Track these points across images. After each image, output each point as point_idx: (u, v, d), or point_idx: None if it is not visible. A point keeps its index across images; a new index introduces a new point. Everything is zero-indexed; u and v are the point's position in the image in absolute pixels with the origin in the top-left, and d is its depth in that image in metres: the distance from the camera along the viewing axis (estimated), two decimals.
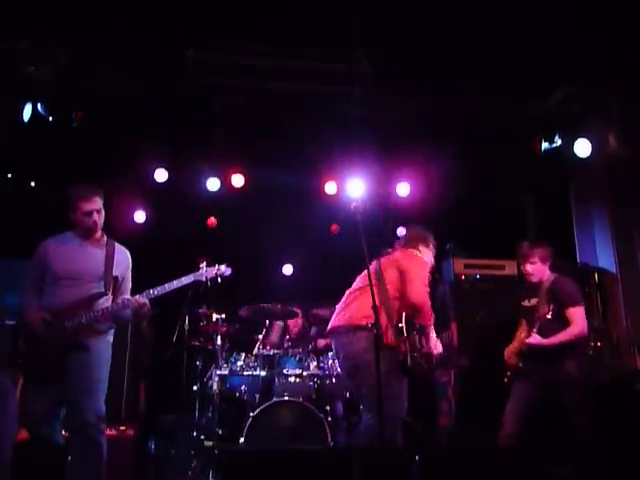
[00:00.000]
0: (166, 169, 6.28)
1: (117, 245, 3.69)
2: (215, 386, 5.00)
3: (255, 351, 5.30)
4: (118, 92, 5.43)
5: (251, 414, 4.55)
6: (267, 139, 6.13)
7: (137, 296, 3.51)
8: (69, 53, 5.07)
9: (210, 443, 4.77)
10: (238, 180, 6.50)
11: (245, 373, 5.09)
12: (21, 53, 4.96)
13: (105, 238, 3.66)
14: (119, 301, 3.50)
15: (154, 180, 6.27)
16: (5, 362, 3.33)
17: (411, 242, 4.19)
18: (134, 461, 4.19)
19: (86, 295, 3.43)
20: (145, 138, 5.98)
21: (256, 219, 6.73)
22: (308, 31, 4.89)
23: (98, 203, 3.56)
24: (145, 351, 5.33)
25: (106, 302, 3.48)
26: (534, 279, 4.30)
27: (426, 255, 4.16)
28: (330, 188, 6.59)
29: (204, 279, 3.79)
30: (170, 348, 5.17)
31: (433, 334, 3.97)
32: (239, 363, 5.15)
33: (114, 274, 3.55)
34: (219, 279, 3.86)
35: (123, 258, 3.69)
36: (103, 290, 3.48)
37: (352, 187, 6.36)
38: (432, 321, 3.93)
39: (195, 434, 4.91)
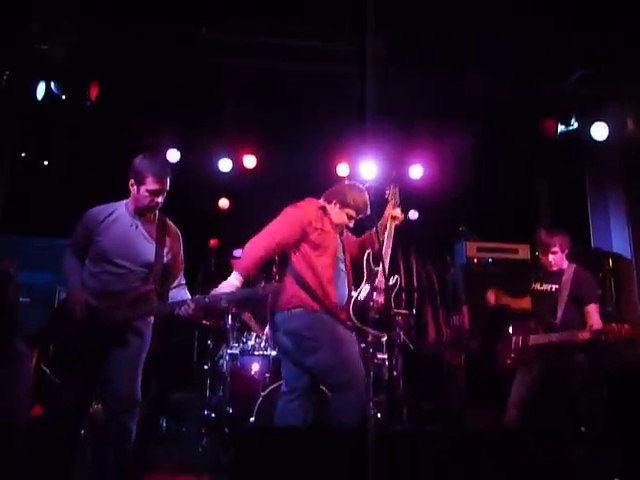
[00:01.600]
0: (178, 149, 6.28)
1: (170, 225, 3.44)
2: (226, 365, 5.03)
3: (266, 331, 5.32)
4: (130, 72, 5.41)
5: (262, 394, 4.57)
6: (279, 120, 6.10)
7: (190, 300, 3.30)
8: (82, 33, 5.05)
9: (221, 421, 4.81)
10: (250, 161, 6.49)
11: (256, 353, 5.11)
12: (34, 33, 4.94)
13: (157, 216, 3.39)
14: (171, 302, 3.32)
15: (166, 160, 6.26)
16: (29, 338, 3.23)
17: (329, 194, 3.75)
18: (145, 439, 4.22)
19: (133, 290, 3.21)
20: (157, 118, 5.97)
21: (268, 200, 6.70)
22: (322, 10, 4.83)
23: (167, 184, 3.30)
24: (157, 330, 5.36)
25: (153, 299, 3.30)
26: (554, 268, 4.17)
27: (334, 214, 3.65)
28: (342, 170, 6.56)
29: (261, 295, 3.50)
30: (182, 328, 5.21)
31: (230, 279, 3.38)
32: (250, 343, 5.17)
33: (165, 262, 3.32)
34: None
35: (175, 241, 3.43)
36: (152, 287, 3.26)
37: (364, 169, 6.34)
38: (236, 268, 3.40)
39: (206, 412, 4.96)
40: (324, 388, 3.70)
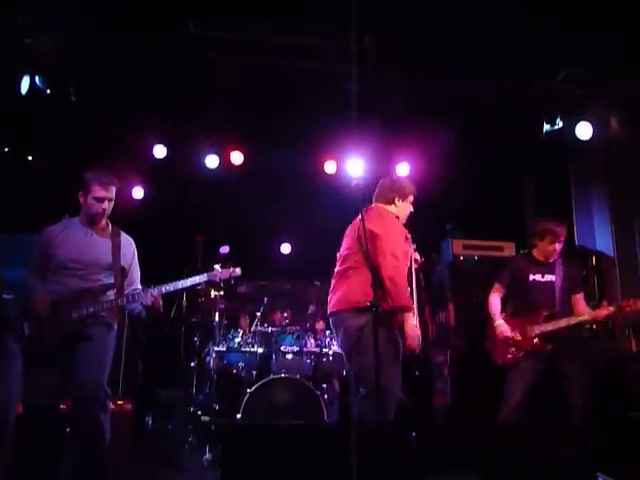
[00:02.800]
0: (165, 145, 6.25)
1: (122, 234, 3.60)
2: (212, 362, 5.03)
3: (253, 328, 5.32)
4: (117, 67, 5.36)
5: (248, 390, 4.57)
6: (267, 117, 6.09)
7: (149, 290, 3.42)
8: (68, 26, 5.00)
9: (207, 419, 4.81)
10: (237, 157, 6.48)
11: (243, 350, 5.12)
12: (19, 26, 4.88)
13: (110, 227, 3.56)
14: (128, 294, 3.43)
15: (153, 156, 6.24)
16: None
17: (385, 196, 3.75)
18: (131, 436, 4.21)
19: (94, 286, 3.36)
20: (144, 114, 5.93)
21: (255, 197, 6.71)
22: (309, 7, 4.82)
23: (112, 192, 3.45)
24: (143, 327, 5.34)
25: (114, 294, 3.41)
26: (555, 257, 4.26)
27: (401, 209, 3.72)
28: (329, 167, 6.57)
29: (217, 279, 3.69)
30: (168, 324, 5.20)
31: (411, 320, 3.36)
32: (237, 340, 5.17)
33: (122, 265, 3.48)
34: (232, 281, 3.80)
35: (129, 248, 3.60)
36: (112, 282, 3.41)
37: (352, 166, 6.35)
38: (403, 302, 3.33)
39: (192, 409, 4.95)
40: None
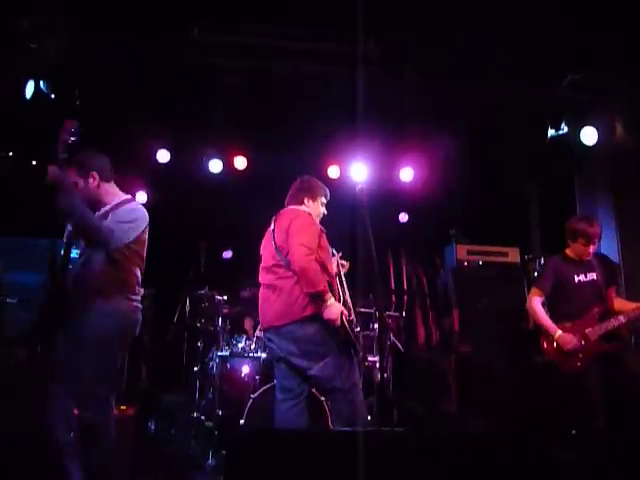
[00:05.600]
0: (168, 150, 6.25)
1: None
2: (216, 367, 5.00)
3: (257, 333, 5.30)
4: (121, 71, 5.37)
5: (252, 396, 4.54)
6: (270, 121, 6.09)
7: None
8: (72, 31, 5.01)
9: (210, 424, 4.78)
10: (241, 162, 6.48)
11: (246, 355, 5.09)
12: (23, 31, 4.89)
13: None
14: None
15: (156, 161, 6.24)
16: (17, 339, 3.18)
17: (294, 197, 3.83)
18: (134, 441, 4.19)
19: None
20: (148, 119, 5.93)
21: (258, 202, 6.69)
22: (313, 11, 4.82)
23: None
24: (146, 331, 5.33)
25: None
26: (590, 257, 4.26)
27: (312, 209, 3.76)
28: (333, 172, 6.56)
29: None
30: (171, 329, 5.18)
31: (329, 301, 3.37)
32: (240, 345, 5.14)
33: None
34: None
35: None
36: None
37: (355, 171, 6.34)
38: (319, 288, 3.35)
39: (195, 415, 4.92)
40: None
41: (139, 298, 3.39)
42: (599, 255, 4.41)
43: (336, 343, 3.46)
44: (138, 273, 3.38)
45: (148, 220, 3.39)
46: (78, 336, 3.08)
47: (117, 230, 3.16)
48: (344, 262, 3.96)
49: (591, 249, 4.21)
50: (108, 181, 3.46)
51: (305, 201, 3.78)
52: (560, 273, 4.26)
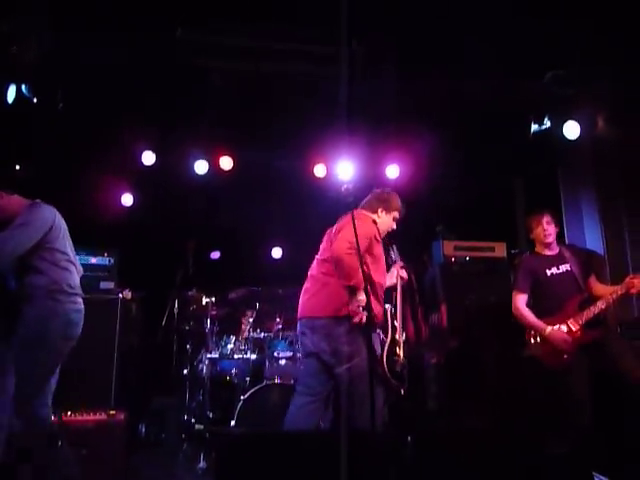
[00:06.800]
0: (154, 152, 6.22)
1: None
2: (205, 369, 5.00)
3: (245, 334, 5.30)
4: (104, 73, 5.33)
5: (242, 397, 4.55)
6: (256, 121, 6.07)
7: None
8: (54, 34, 4.96)
9: (201, 427, 4.78)
10: (226, 163, 6.45)
11: (235, 356, 5.09)
12: (4, 34, 4.84)
13: None
14: None
15: (141, 163, 6.20)
16: None
17: (370, 204, 3.92)
18: (124, 445, 4.17)
19: None
20: (132, 120, 5.89)
21: (245, 202, 6.69)
22: (298, 11, 4.82)
23: None
24: (134, 334, 5.31)
25: None
26: (551, 240, 4.36)
27: (383, 220, 3.87)
28: (319, 171, 6.56)
29: None
30: (160, 332, 5.17)
31: (360, 295, 3.41)
32: (229, 346, 5.14)
33: None
34: None
35: None
36: None
37: (341, 170, 6.35)
38: (352, 281, 3.42)
39: (186, 418, 4.92)
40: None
41: (73, 299, 3.35)
42: (572, 246, 4.53)
43: (367, 348, 3.40)
44: (67, 274, 3.35)
45: (52, 219, 3.37)
46: (4, 343, 3.11)
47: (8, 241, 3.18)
48: (404, 274, 3.96)
49: (547, 227, 4.32)
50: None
51: (379, 211, 3.89)
52: (533, 270, 4.33)
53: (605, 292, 4.18)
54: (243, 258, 6.62)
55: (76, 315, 3.35)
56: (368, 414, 3.29)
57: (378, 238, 3.71)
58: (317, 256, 3.82)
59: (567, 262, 4.28)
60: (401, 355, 3.66)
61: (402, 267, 4.01)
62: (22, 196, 3.69)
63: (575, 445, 3.70)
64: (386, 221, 3.89)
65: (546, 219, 4.35)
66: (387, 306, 3.85)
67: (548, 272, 4.28)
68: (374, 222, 3.77)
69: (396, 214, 3.92)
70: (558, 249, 4.39)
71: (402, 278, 3.98)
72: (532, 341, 4.22)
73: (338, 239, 3.53)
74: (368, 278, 3.47)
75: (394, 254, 3.96)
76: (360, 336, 3.43)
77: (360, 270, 3.34)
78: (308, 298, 3.68)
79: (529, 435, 3.50)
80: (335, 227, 3.76)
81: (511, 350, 4.90)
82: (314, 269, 3.77)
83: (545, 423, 4.06)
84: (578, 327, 4.08)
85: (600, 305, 4.08)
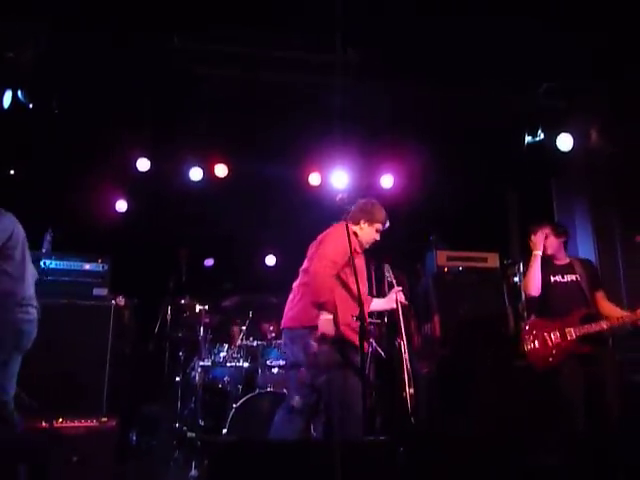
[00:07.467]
0: (148, 158, 6.22)
1: None
2: (198, 377, 4.98)
3: (238, 342, 5.29)
4: (100, 79, 5.34)
5: (234, 405, 4.54)
6: (250, 129, 6.09)
7: None
8: (50, 40, 4.97)
9: (192, 434, 4.76)
10: (221, 170, 6.47)
11: (228, 364, 5.08)
12: (0, 39, 4.85)
13: None
14: None
15: (136, 169, 6.21)
16: None
17: (353, 215, 3.82)
18: (116, 452, 4.15)
19: None
20: (127, 127, 5.90)
21: (239, 209, 6.70)
22: (293, 20, 4.85)
23: None
24: (127, 341, 5.29)
25: None
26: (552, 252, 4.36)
27: (365, 232, 3.83)
28: (314, 179, 6.58)
29: None
30: (152, 339, 5.15)
31: (323, 316, 3.41)
32: (222, 354, 5.13)
33: None
34: None
35: None
36: None
37: (336, 179, 6.37)
38: (321, 299, 3.42)
39: (177, 425, 4.90)
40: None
41: (25, 309, 3.36)
42: (584, 260, 4.48)
43: (344, 358, 3.45)
44: (20, 285, 3.35)
45: (11, 228, 3.36)
46: None
47: None
48: (402, 298, 3.96)
49: (547, 242, 4.32)
50: None
51: (361, 223, 3.85)
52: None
53: (612, 313, 4.17)
54: (236, 266, 6.62)
55: (28, 325, 3.35)
56: (355, 423, 3.34)
57: (358, 250, 3.71)
58: (303, 265, 3.83)
59: (575, 273, 4.28)
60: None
61: (400, 291, 3.99)
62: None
63: (566, 454, 3.71)
64: (368, 232, 3.85)
65: (546, 231, 4.36)
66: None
67: (552, 279, 4.30)
68: (355, 234, 3.75)
69: (379, 226, 3.88)
70: (568, 260, 4.39)
71: (401, 303, 3.97)
72: (527, 339, 4.24)
73: (317, 253, 3.56)
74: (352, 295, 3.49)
75: (389, 276, 3.94)
76: (339, 346, 3.45)
77: (332, 291, 3.41)
78: (289, 309, 3.70)
79: (520, 444, 3.52)
80: (318, 238, 3.77)
81: (503, 360, 4.92)
82: (299, 278, 3.78)
83: (536, 432, 4.07)
84: (574, 338, 4.09)
85: (603, 325, 4.08)
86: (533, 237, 4.40)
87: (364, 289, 3.76)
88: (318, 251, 3.58)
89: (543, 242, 4.34)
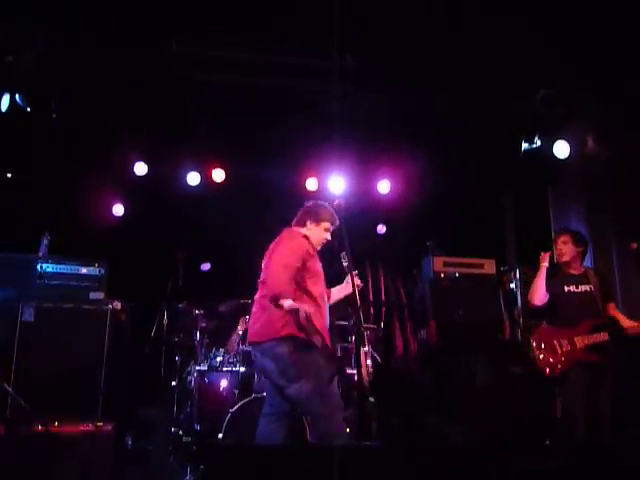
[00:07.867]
0: (146, 163, 6.23)
1: None
2: (194, 382, 4.98)
3: (235, 347, 5.28)
4: (99, 84, 5.35)
5: (230, 410, 4.53)
6: (248, 134, 6.11)
7: None
8: (48, 44, 4.98)
9: (188, 439, 4.75)
10: (219, 175, 6.47)
11: (224, 369, 5.07)
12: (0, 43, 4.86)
13: None
14: None
15: (134, 173, 6.21)
16: None
17: (298, 219, 3.86)
18: (111, 457, 4.14)
19: None
20: (125, 131, 5.91)
21: (236, 214, 6.70)
22: (292, 26, 4.86)
23: None
24: (123, 345, 5.28)
25: None
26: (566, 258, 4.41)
27: (314, 232, 3.79)
28: (311, 184, 6.59)
29: None
30: (149, 343, 5.14)
31: (286, 303, 3.35)
32: (218, 359, 5.12)
33: None
34: None
35: None
36: None
37: (333, 184, 6.38)
38: (276, 290, 3.40)
39: (173, 430, 4.88)
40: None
41: None
42: (598, 270, 4.57)
43: (314, 366, 3.47)
44: None
45: None
46: None
47: None
48: (358, 281, 3.83)
49: (562, 249, 4.38)
50: None
51: (307, 224, 3.82)
52: (552, 282, 4.38)
53: (623, 324, 4.21)
54: (233, 270, 6.62)
55: None
56: (332, 430, 3.38)
57: (312, 252, 3.69)
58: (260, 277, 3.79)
59: (589, 284, 4.31)
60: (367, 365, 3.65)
61: (356, 274, 3.95)
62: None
63: (567, 459, 3.72)
64: (317, 233, 3.80)
65: (562, 239, 4.42)
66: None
67: (566, 288, 4.32)
68: (305, 237, 3.74)
69: (327, 225, 3.81)
70: (583, 270, 4.43)
71: (357, 285, 3.92)
72: (534, 345, 4.25)
73: (271, 261, 3.56)
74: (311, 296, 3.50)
75: (345, 262, 3.89)
76: (308, 354, 3.46)
77: (290, 283, 3.39)
78: (253, 323, 3.67)
79: (519, 450, 3.52)
80: (270, 247, 3.76)
81: (500, 366, 4.93)
82: (258, 291, 3.75)
83: (535, 438, 4.07)
84: (582, 346, 4.12)
85: (608, 335, 4.12)
86: (543, 254, 4.46)
87: (323, 289, 3.74)
88: (271, 259, 3.58)
89: (561, 247, 4.40)
